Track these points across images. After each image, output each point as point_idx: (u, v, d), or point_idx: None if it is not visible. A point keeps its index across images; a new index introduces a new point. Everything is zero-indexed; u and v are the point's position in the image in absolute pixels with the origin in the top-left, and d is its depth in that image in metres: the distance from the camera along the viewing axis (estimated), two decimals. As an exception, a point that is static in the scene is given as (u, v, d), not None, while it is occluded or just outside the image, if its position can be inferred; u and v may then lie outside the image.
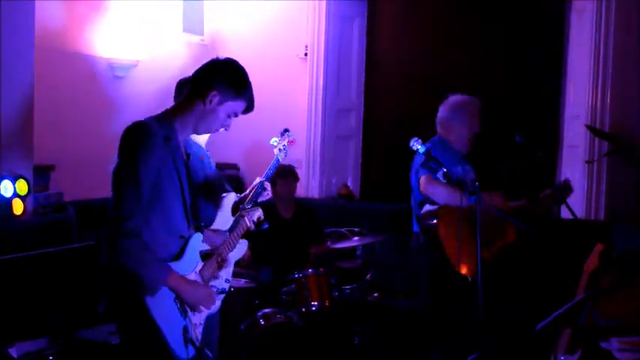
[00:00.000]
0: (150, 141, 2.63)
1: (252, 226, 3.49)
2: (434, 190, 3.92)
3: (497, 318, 3.78)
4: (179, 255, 2.77)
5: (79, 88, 5.70)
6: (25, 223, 4.55)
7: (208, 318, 2.98)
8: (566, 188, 4.17)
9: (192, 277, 2.83)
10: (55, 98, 5.41)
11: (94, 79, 5.83)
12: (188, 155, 2.87)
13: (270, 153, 3.83)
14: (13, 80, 4.61)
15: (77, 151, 5.61)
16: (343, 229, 5.80)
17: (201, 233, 2.89)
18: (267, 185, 3.68)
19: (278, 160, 3.81)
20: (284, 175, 5.35)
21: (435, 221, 3.93)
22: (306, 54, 6.91)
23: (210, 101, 2.77)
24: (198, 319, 2.86)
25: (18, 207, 4.46)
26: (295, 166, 5.74)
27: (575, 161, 5.76)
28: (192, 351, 2.77)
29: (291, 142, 3.85)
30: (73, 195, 5.19)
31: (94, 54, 5.80)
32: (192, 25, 6.78)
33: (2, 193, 4.39)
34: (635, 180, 5.28)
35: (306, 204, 5.82)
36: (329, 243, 5.31)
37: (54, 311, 4.16)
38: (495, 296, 3.70)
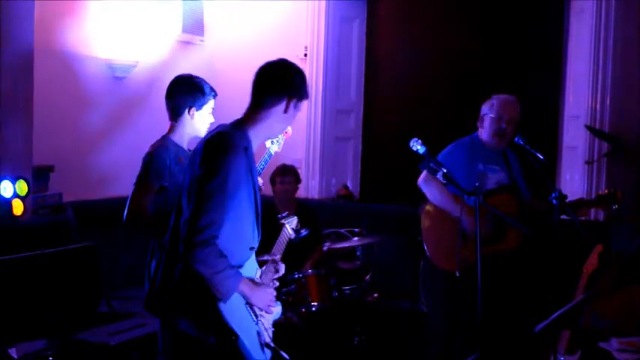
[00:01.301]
0: (235, 151, 2.65)
1: (293, 235, 3.48)
2: (427, 190, 3.99)
3: (496, 319, 3.78)
4: (243, 263, 2.79)
5: (78, 89, 5.70)
6: (24, 224, 4.55)
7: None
8: (612, 198, 4.19)
9: (258, 280, 2.86)
10: (55, 99, 5.41)
11: (93, 80, 5.83)
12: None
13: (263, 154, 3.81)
14: (12, 80, 4.61)
15: (77, 152, 5.61)
16: (343, 230, 5.80)
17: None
18: (259, 181, 3.65)
19: (270, 153, 3.78)
20: (283, 173, 5.34)
21: (422, 221, 4.01)
22: (305, 55, 6.91)
23: (292, 107, 2.81)
24: (268, 323, 2.88)
25: (17, 207, 4.46)
26: (295, 166, 5.74)
27: (574, 162, 5.77)
28: (269, 355, 2.80)
29: (285, 135, 3.82)
30: (73, 196, 5.19)
31: (94, 55, 5.80)
32: (192, 25, 6.78)
33: (2, 193, 4.39)
34: (634, 180, 5.28)
35: (305, 204, 5.81)
36: (328, 243, 5.31)
37: (53, 312, 4.16)
38: (495, 297, 3.70)
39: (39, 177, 4.99)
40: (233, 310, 2.66)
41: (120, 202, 5.67)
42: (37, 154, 4.90)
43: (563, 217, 3.99)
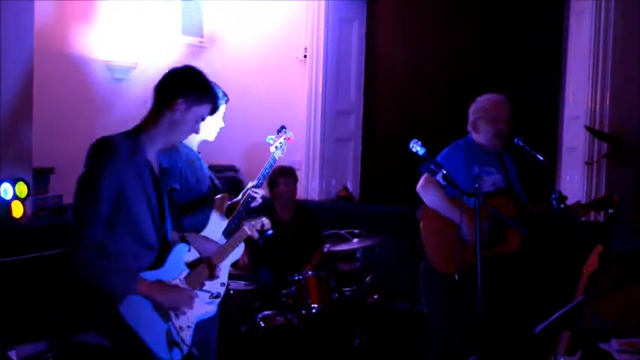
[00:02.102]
0: (111, 155, 2.68)
1: (256, 235, 3.47)
2: (425, 196, 3.97)
3: (496, 320, 3.78)
4: (158, 264, 2.79)
5: (77, 91, 5.70)
6: (24, 226, 4.55)
7: (204, 321, 2.99)
8: (608, 202, 4.19)
9: (174, 283, 2.84)
10: (54, 101, 5.41)
11: (92, 82, 5.83)
12: (162, 170, 2.88)
13: (269, 154, 3.81)
14: (12, 82, 4.61)
15: (76, 153, 5.53)
16: (343, 231, 5.80)
17: (186, 243, 2.91)
18: (257, 193, 3.64)
19: (275, 158, 3.78)
20: (286, 174, 5.34)
21: (420, 224, 4.01)
22: (305, 56, 6.91)
23: (178, 110, 2.80)
24: (185, 321, 2.86)
25: (17, 209, 4.46)
26: (295, 167, 5.74)
27: (574, 162, 5.77)
28: (177, 354, 2.78)
29: (288, 140, 3.82)
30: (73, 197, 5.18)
31: (93, 56, 5.79)
32: (192, 27, 6.78)
33: (2, 195, 4.39)
34: (634, 181, 5.28)
35: (305, 206, 5.81)
36: (328, 245, 5.31)
37: (53, 314, 4.15)
38: (494, 297, 3.70)
39: (39, 179, 4.99)
40: (134, 310, 2.67)
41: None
42: (37, 156, 4.90)
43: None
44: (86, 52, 5.75)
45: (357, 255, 5.42)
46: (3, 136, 4.54)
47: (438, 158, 3.98)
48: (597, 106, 5.47)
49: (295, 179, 5.45)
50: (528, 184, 4.30)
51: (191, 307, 2.84)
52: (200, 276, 2.96)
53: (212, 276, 3.00)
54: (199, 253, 3.03)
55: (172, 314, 2.80)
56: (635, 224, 4.93)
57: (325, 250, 5.30)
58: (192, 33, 6.77)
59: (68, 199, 5.09)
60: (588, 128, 5.41)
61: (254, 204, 3.65)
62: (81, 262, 2.62)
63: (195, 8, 6.82)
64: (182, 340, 2.81)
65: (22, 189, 4.48)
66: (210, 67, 6.45)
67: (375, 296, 5.37)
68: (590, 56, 5.50)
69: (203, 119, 2.88)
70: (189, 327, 2.88)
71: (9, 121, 4.59)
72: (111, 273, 2.63)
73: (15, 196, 4.44)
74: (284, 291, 4.87)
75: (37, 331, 4.00)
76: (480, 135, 4.10)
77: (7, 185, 4.41)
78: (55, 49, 5.48)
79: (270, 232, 3.56)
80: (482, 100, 4.13)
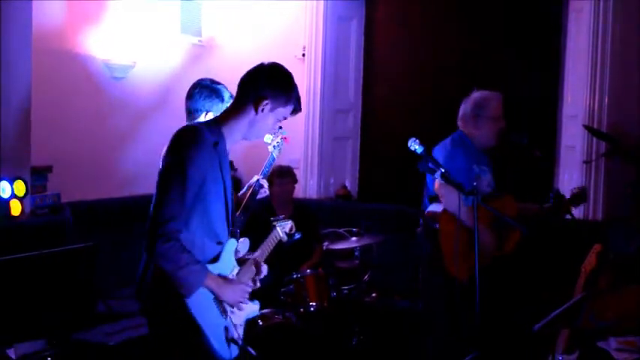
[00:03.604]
0: (200, 144, 2.64)
1: (285, 237, 3.47)
2: (444, 198, 3.87)
3: (495, 318, 3.78)
4: (215, 259, 2.78)
5: (76, 89, 5.69)
6: (22, 224, 4.54)
7: (248, 320, 3.00)
8: (582, 196, 4.19)
9: (230, 277, 2.85)
10: (53, 99, 5.40)
11: (91, 81, 5.82)
12: (231, 162, 2.89)
13: (267, 153, 3.83)
14: (11, 81, 4.61)
15: (75, 152, 5.61)
16: (341, 230, 5.81)
17: (236, 239, 2.90)
18: (264, 182, 3.67)
19: (273, 157, 3.81)
20: (281, 175, 5.36)
21: (437, 225, 3.93)
22: (303, 55, 6.91)
23: (262, 109, 2.79)
24: (238, 319, 2.87)
25: (15, 208, 4.46)
26: (293, 166, 5.75)
27: (572, 162, 5.77)
28: (235, 351, 2.80)
29: (284, 139, 3.84)
30: (71, 196, 5.18)
31: (92, 55, 5.79)
32: (190, 26, 6.78)
33: (0, 194, 4.38)
34: (632, 180, 5.28)
35: (303, 205, 5.81)
36: (327, 243, 5.32)
37: (51, 312, 4.15)
38: (493, 296, 3.70)
39: (37, 177, 4.98)
40: (199, 304, 2.66)
41: (119, 202, 5.72)
42: (35, 154, 4.90)
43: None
44: (85, 50, 5.75)
45: (356, 253, 5.42)
46: (1, 134, 4.54)
47: (440, 159, 3.95)
48: (596, 105, 5.48)
49: (292, 179, 5.45)
50: (526, 182, 4.31)
51: (247, 302, 2.87)
52: (248, 273, 2.96)
53: (258, 274, 3.00)
54: (238, 252, 3.00)
55: (229, 310, 2.80)
56: (634, 224, 4.93)
57: (324, 248, 5.31)
58: (191, 32, 6.78)
59: (66, 197, 5.11)
60: (587, 127, 5.41)
61: (260, 195, 3.67)
62: (163, 254, 2.56)
63: (194, 8, 6.82)
64: (238, 337, 2.83)
65: (20, 187, 4.48)
66: (208, 66, 6.48)
67: (374, 294, 5.38)
68: (588, 55, 5.50)
69: (285, 119, 2.88)
70: (241, 325, 2.91)
71: (8, 119, 4.58)
72: (187, 266, 2.59)
73: (13, 195, 4.44)
74: (282, 289, 4.87)
75: (36, 329, 4.00)
76: (480, 132, 4.06)
77: (5, 184, 4.40)
78: (54, 47, 5.48)
79: (298, 235, 3.55)
80: (484, 97, 4.08)
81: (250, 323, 4.44)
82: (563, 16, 6.08)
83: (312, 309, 4.72)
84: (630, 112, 5.44)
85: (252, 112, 2.80)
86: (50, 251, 4.27)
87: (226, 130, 2.80)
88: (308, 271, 4.87)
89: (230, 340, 2.77)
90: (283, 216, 3.53)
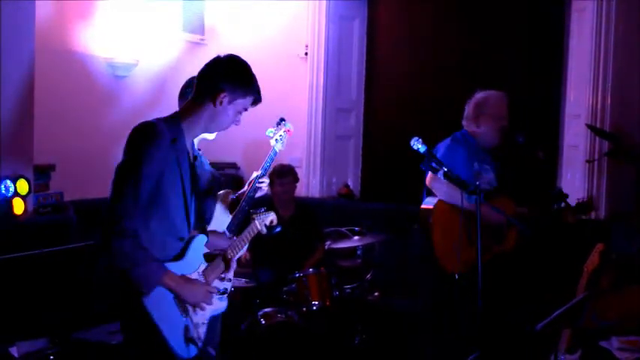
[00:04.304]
0: (155, 141, 2.63)
1: (264, 230, 3.46)
2: (437, 187, 3.95)
3: (496, 317, 3.78)
4: (180, 256, 2.76)
5: (79, 88, 5.70)
6: (25, 223, 4.55)
7: (213, 318, 2.97)
8: (589, 206, 4.20)
9: (194, 277, 2.82)
10: (56, 98, 5.41)
11: (94, 79, 5.83)
12: (195, 157, 2.87)
13: (269, 150, 3.81)
14: (14, 80, 4.61)
15: (78, 150, 5.61)
16: (343, 229, 5.80)
17: (206, 235, 2.88)
18: (262, 182, 3.65)
19: (275, 151, 3.78)
20: (281, 174, 5.34)
21: (430, 220, 3.97)
22: (306, 53, 6.91)
23: (221, 102, 2.78)
24: (200, 318, 2.84)
25: (18, 206, 4.46)
26: (295, 165, 5.74)
27: (575, 161, 5.76)
28: (193, 350, 2.76)
29: (288, 132, 3.81)
30: (74, 195, 5.19)
31: (94, 54, 5.80)
32: (193, 24, 6.78)
33: (3, 192, 4.39)
34: (635, 179, 5.28)
35: (305, 204, 5.81)
36: (329, 242, 5.31)
37: (54, 311, 4.16)
38: (493, 294, 3.70)
39: (40, 176, 4.99)
40: (157, 302, 2.64)
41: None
42: (38, 152, 4.90)
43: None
44: (87, 49, 5.75)
45: (358, 252, 5.42)
46: (4, 133, 4.54)
47: (438, 154, 3.97)
48: (598, 105, 5.47)
49: (292, 179, 5.44)
50: (529, 183, 4.30)
51: (211, 303, 2.83)
52: (217, 270, 2.95)
53: (227, 270, 2.99)
54: (210, 248, 2.99)
55: (190, 309, 2.78)
56: (636, 223, 4.93)
57: (326, 247, 5.31)
58: (193, 30, 6.78)
59: (69, 196, 5.11)
60: (589, 126, 5.41)
61: (259, 193, 3.65)
62: (117, 251, 2.54)
63: (196, 6, 6.82)
64: (198, 337, 2.80)
65: (23, 186, 4.48)
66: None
67: (376, 293, 5.38)
68: (591, 54, 5.49)
69: (245, 110, 2.87)
70: (203, 323, 2.87)
71: (10, 118, 4.59)
72: (143, 264, 2.57)
73: (16, 193, 4.44)
74: (285, 288, 4.87)
75: (38, 327, 4.00)
76: (483, 130, 4.09)
77: (8, 182, 4.41)
78: (57, 46, 5.49)
79: (279, 228, 3.55)
80: (486, 96, 4.12)
81: (252, 322, 4.47)
82: (565, 15, 6.07)
83: (314, 308, 4.72)
84: (633, 111, 5.43)
85: (211, 105, 2.78)
86: (51, 250, 4.28)
87: (186, 126, 2.78)
88: (310, 270, 4.87)
89: (189, 340, 2.74)
90: (264, 208, 3.51)
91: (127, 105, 6.07)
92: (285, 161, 5.64)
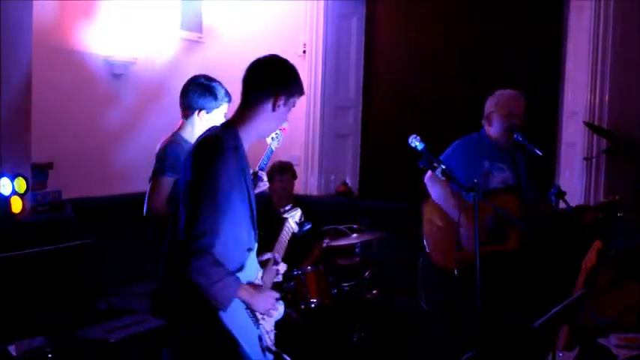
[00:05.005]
0: (225, 154, 2.62)
1: (297, 228, 3.43)
2: (432, 188, 3.99)
3: (495, 315, 3.78)
4: (242, 266, 2.75)
5: (76, 86, 5.69)
6: (23, 221, 4.54)
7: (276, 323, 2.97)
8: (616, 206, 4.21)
9: (257, 283, 2.82)
10: (53, 96, 5.40)
11: (91, 77, 5.82)
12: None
13: (265, 145, 3.82)
14: (11, 78, 4.60)
15: (76, 149, 5.61)
16: (342, 227, 5.80)
17: (257, 241, 2.86)
18: (263, 175, 3.65)
19: (272, 149, 3.79)
20: (282, 170, 5.35)
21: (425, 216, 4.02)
22: (304, 51, 6.90)
23: (278, 106, 2.78)
24: (269, 325, 2.85)
25: (16, 205, 4.45)
26: (294, 163, 5.74)
27: (573, 158, 5.77)
28: (270, 358, 2.77)
29: (283, 130, 3.82)
30: (72, 193, 5.18)
31: (92, 52, 5.79)
32: (191, 22, 6.77)
33: (1, 191, 4.38)
34: (633, 176, 5.28)
35: (303, 201, 5.80)
36: (327, 240, 5.31)
37: (52, 309, 4.16)
38: (492, 292, 3.70)
39: (38, 174, 4.98)
40: (234, 316, 2.63)
41: (120, 198, 5.72)
42: (36, 151, 4.89)
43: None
44: (85, 47, 5.74)
45: (356, 250, 5.42)
46: (2, 131, 4.53)
47: (446, 152, 4.01)
48: (596, 102, 5.47)
49: (292, 176, 5.45)
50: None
51: (277, 309, 2.84)
52: (272, 274, 2.94)
53: (279, 273, 2.99)
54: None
55: (260, 318, 2.78)
56: (634, 221, 4.93)
57: (324, 245, 5.30)
58: (191, 28, 6.77)
59: (67, 194, 5.10)
60: (587, 124, 5.41)
61: (260, 188, 3.65)
62: (197, 268, 2.52)
63: (194, 4, 6.81)
64: (272, 344, 2.81)
65: (21, 184, 4.47)
66: (208, 62, 6.47)
67: (375, 291, 5.38)
68: (589, 52, 5.50)
69: (294, 106, 2.88)
70: (272, 330, 2.87)
71: (8, 116, 4.58)
72: (221, 280, 2.56)
73: (14, 192, 4.43)
74: (283, 286, 4.87)
75: (36, 326, 4.00)
76: (493, 128, 4.12)
77: (5, 180, 4.40)
78: (55, 44, 5.48)
79: (309, 225, 3.50)
80: (498, 94, 4.16)
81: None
82: (564, 13, 6.07)
83: (312, 306, 4.72)
84: (631, 108, 5.43)
85: (269, 110, 2.78)
86: (48, 248, 4.27)
87: (243, 132, 2.77)
88: (309, 267, 4.87)
89: (265, 349, 2.75)
90: (291, 205, 3.50)
91: (125, 103, 6.06)
92: (284, 159, 5.64)
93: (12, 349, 3.80)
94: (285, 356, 2.85)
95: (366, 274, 5.39)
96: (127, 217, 5.20)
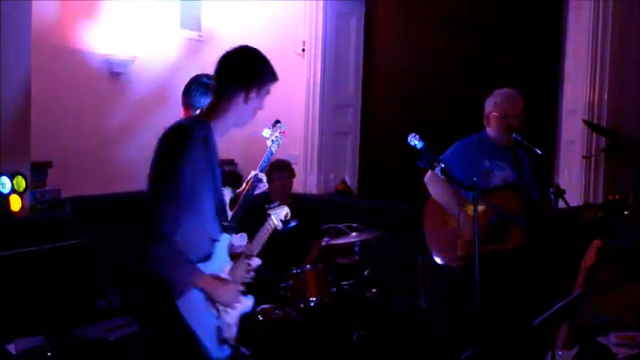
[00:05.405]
0: (190, 142, 2.61)
1: (281, 225, 3.45)
2: (432, 187, 3.99)
3: (494, 314, 3.78)
4: (208, 256, 2.75)
5: (76, 85, 5.69)
6: (22, 220, 4.54)
7: (241, 316, 2.96)
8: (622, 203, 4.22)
9: (222, 276, 2.81)
10: (53, 95, 5.40)
11: (91, 76, 5.82)
12: (232, 160, 2.88)
13: (267, 148, 3.82)
14: (10, 77, 4.60)
15: (75, 147, 5.60)
16: (341, 225, 5.81)
17: (228, 234, 2.87)
18: (263, 177, 3.66)
19: (272, 152, 3.80)
20: (280, 168, 5.35)
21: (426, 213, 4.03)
22: (303, 50, 6.90)
23: (250, 98, 2.80)
24: (232, 318, 2.83)
25: (15, 203, 4.45)
26: (293, 162, 5.74)
27: (572, 157, 5.77)
28: (227, 350, 2.76)
29: (283, 133, 3.83)
30: (71, 191, 5.18)
31: (91, 50, 5.78)
32: (190, 21, 6.77)
33: (0, 189, 4.38)
34: (632, 175, 5.28)
35: (302, 200, 5.81)
36: (326, 239, 5.31)
37: (51, 308, 4.15)
38: (494, 293, 3.70)
39: (37, 173, 4.97)
40: (191, 305, 2.63)
41: (120, 197, 5.71)
42: (35, 149, 4.89)
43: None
44: (85, 46, 5.74)
45: (356, 249, 5.42)
46: (1, 129, 4.53)
47: (447, 152, 4.02)
48: (595, 101, 5.47)
49: (290, 174, 5.45)
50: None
51: (240, 302, 2.83)
52: (241, 269, 2.92)
53: (250, 267, 2.97)
54: (235, 247, 2.98)
55: (222, 310, 2.77)
56: (633, 219, 4.93)
57: (323, 243, 5.30)
58: (190, 27, 6.76)
59: (66, 192, 5.10)
60: (586, 122, 5.41)
61: (259, 190, 3.65)
62: (156, 254, 2.55)
63: (193, 3, 6.80)
64: (230, 337, 2.79)
65: (20, 183, 4.47)
66: (208, 61, 6.42)
67: (374, 290, 5.38)
68: (588, 50, 5.50)
69: (268, 94, 2.89)
70: (235, 324, 2.86)
71: (7, 114, 4.58)
72: (179, 267, 2.57)
73: (13, 190, 4.42)
74: (282, 285, 4.87)
75: (36, 325, 4.00)
76: (491, 128, 4.12)
77: (5, 179, 4.39)
78: (54, 43, 5.47)
79: (294, 222, 3.51)
80: (497, 94, 4.16)
81: (251, 318, 4.47)
82: (563, 12, 6.07)
83: (312, 304, 4.72)
84: (630, 106, 5.43)
85: (241, 102, 2.80)
86: (48, 247, 4.27)
87: (216, 124, 2.78)
88: (308, 266, 4.87)
89: (222, 341, 2.74)
90: (278, 203, 3.50)
91: (124, 101, 6.06)
92: (283, 157, 5.63)
93: (11, 348, 3.80)
94: (244, 350, 2.86)
95: (366, 272, 5.39)
96: (126, 216, 5.21)
